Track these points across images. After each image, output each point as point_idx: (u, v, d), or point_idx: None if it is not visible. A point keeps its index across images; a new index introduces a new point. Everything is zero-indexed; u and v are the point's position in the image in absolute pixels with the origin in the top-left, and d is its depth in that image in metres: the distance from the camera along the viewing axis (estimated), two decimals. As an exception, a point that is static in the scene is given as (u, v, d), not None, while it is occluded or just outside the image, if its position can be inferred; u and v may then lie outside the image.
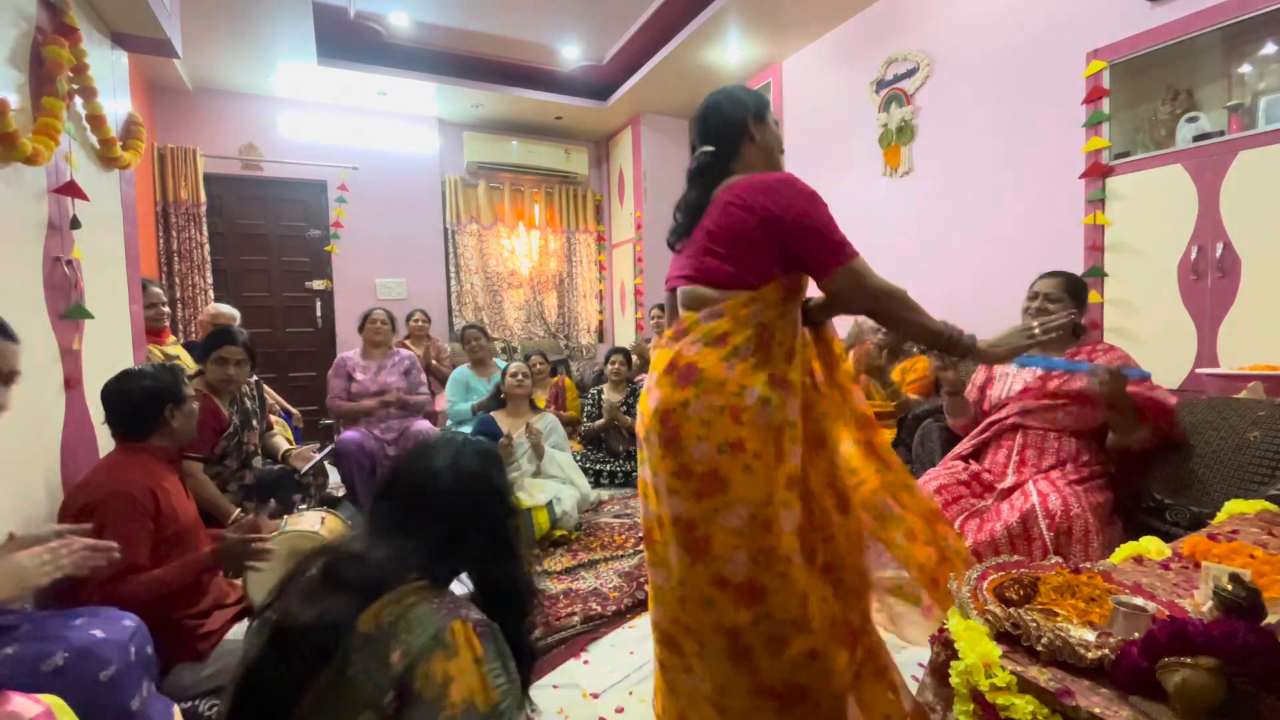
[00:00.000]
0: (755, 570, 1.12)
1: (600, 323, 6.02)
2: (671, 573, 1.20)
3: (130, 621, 1.26)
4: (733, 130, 1.29)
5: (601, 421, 3.84)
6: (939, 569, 1.29)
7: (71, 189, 1.78)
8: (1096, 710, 0.78)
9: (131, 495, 1.47)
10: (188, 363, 2.76)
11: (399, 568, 0.87)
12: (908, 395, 2.78)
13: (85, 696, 1.05)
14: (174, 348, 2.98)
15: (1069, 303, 1.93)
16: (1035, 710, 0.82)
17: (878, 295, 1.20)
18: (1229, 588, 0.85)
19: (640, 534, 2.81)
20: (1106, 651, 0.84)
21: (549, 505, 2.77)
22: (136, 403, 1.61)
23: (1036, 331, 1.33)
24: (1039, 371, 1.94)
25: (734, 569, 1.12)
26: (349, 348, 3.59)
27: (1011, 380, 2.03)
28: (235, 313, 3.47)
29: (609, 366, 3.94)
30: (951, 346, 1.26)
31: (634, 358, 4.19)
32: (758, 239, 1.18)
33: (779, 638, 1.13)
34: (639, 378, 4.03)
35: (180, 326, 4.22)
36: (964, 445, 2.07)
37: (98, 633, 1.17)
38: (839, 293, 1.22)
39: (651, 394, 1.22)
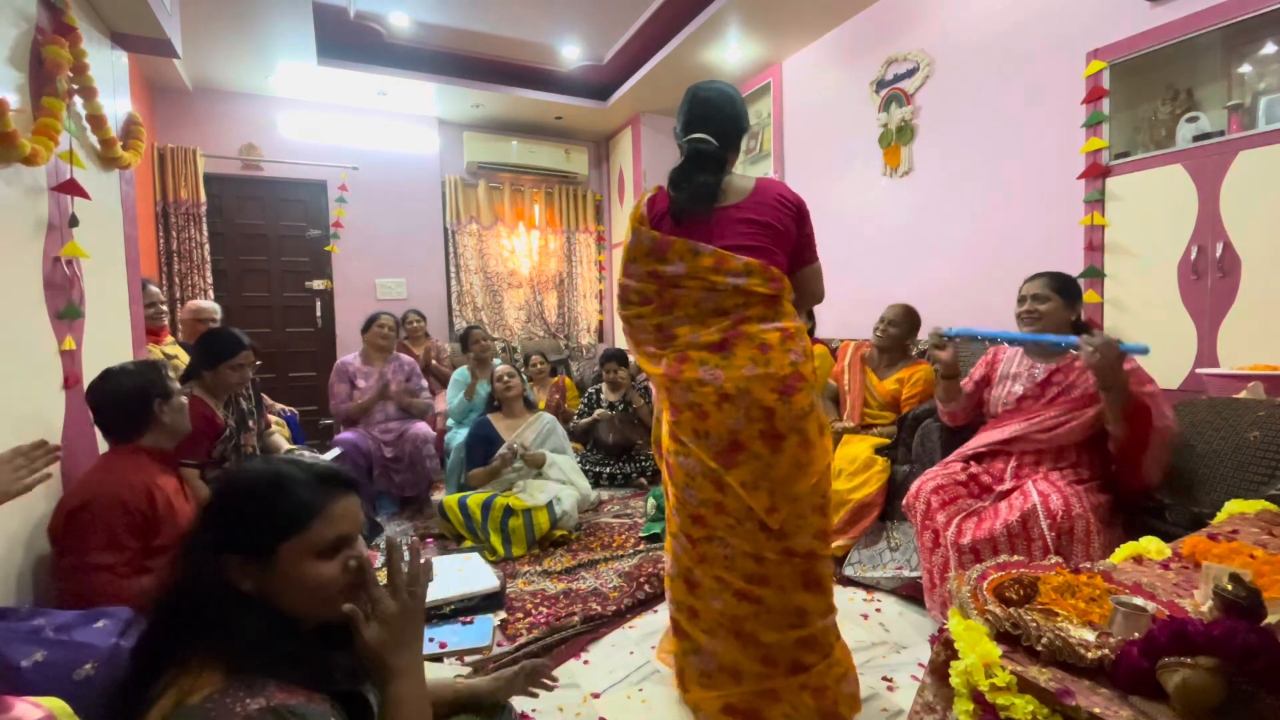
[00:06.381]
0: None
1: (600, 323, 6.01)
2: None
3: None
4: (734, 134, 1.55)
5: (585, 421, 3.85)
6: None
7: (71, 187, 1.78)
8: (1096, 710, 0.78)
9: (122, 496, 1.46)
10: (186, 363, 2.76)
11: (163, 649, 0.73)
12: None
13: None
14: (172, 347, 2.98)
15: (1058, 301, 1.92)
16: (1035, 710, 0.82)
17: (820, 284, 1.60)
18: (1229, 588, 0.85)
19: (639, 535, 2.84)
20: (1106, 651, 0.84)
21: (549, 505, 2.77)
22: (123, 401, 1.59)
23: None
24: (1038, 376, 1.94)
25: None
26: (349, 348, 3.58)
27: (1010, 385, 2.02)
28: (217, 307, 3.46)
29: (606, 376, 3.92)
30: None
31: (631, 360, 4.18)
32: (794, 234, 1.50)
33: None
34: (640, 376, 4.03)
35: (179, 327, 4.21)
36: (958, 455, 2.07)
37: (122, 641, 1.17)
38: (809, 278, 1.56)
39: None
